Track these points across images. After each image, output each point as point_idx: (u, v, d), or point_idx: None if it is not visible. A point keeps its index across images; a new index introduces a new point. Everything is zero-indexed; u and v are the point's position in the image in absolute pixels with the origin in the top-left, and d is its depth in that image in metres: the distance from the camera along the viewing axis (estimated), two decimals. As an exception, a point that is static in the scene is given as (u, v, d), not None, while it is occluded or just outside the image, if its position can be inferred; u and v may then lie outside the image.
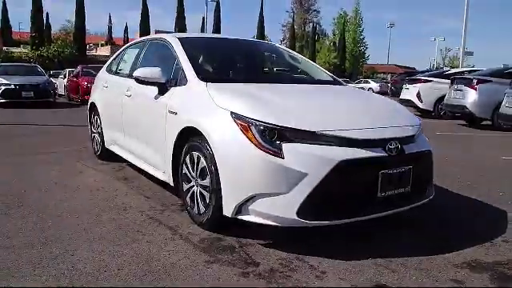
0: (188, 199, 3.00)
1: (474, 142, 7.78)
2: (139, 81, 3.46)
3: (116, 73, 4.83)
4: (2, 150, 5.56)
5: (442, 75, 12.97)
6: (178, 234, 2.76)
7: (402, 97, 12.80)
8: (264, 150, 2.43)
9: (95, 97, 5.10)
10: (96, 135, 5.06)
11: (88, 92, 12.63)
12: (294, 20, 57.51)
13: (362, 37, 53.88)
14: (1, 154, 5.26)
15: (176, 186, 3.23)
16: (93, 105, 5.13)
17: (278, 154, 2.41)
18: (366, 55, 55.74)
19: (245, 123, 2.53)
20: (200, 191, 2.85)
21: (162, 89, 3.35)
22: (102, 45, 52.80)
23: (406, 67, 52.15)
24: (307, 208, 2.39)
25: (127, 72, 4.36)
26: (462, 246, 2.65)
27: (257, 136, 2.47)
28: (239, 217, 2.57)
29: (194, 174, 2.92)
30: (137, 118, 3.93)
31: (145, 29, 40.73)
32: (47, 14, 39.34)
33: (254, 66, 4.29)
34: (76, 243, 2.58)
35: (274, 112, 2.59)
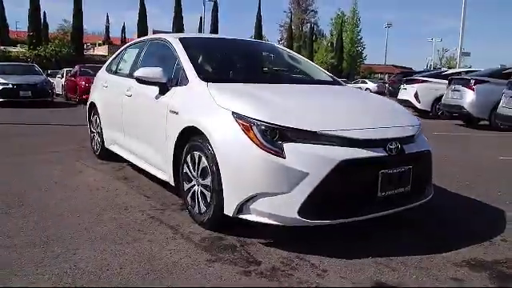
0: (189, 199, 3.01)
1: (471, 142, 7.82)
2: (140, 81, 3.47)
3: (116, 72, 4.84)
4: (1, 150, 5.56)
5: (439, 75, 13.03)
6: (179, 234, 2.77)
7: (399, 97, 12.84)
8: (265, 150, 2.44)
9: (95, 96, 5.10)
10: (95, 135, 5.06)
11: (86, 91, 12.63)
12: (291, 20, 57.51)
13: (359, 37, 54.07)
14: (0, 154, 5.26)
15: (177, 186, 3.24)
16: (92, 104, 5.13)
17: (280, 153, 2.43)
18: (364, 55, 55.93)
19: (246, 123, 2.55)
20: (201, 191, 2.87)
21: (163, 89, 3.36)
22: (100, 44, 52.73)
23: (403, 67, 52.22)
24: (308, 207, 2.41)
25: (127, 72, 4.36)
26: (462, 245, 2.68)
27: (258, 136, 2.49)
28: (240, 216, 2.59)
29: (194, 174, 2.93)
30: (137, 117, 3.94)
31: (142, 29, 40.66)
32: (44, 13, 39.24)
33: (255, 66, 4.31)
34: (77, 242, 2.59)
35: (276, 112, 2.61)
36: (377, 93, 14.18)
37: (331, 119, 2.68)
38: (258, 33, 48.85)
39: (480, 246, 2.70)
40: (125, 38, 56.13)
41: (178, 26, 42.08)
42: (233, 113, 2.64)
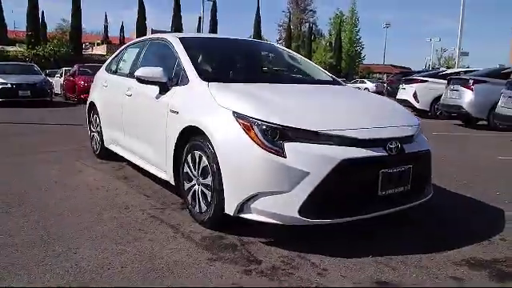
0: (189, 198, 3.02)
1: (470, 142, 7.85)
2: (140, 80, 3.47)
3: (115, 72, 4.84)
4: (0, 150, 5.55)
5: (438, 75, 13.07)
6: (179, 233, 2.78)
7: (398, 97, 12.85)
8: (266, 150, 2.46)
9: (94, 96, 5.11)
10: (95, 134, 5.06)
11: (85, 91, 12.63)
12: (290, 20, 57.48)
13: (358, 37, 54.03)
14: (0, 154, 5.27)
15: (177, 185, 3.25)
16: (92, 104, 5.13)
17: (280, 153, 2.44)
18: (362, 55, 55.91)
19: (247, 123, 2.56)
20: (202, 190, 2.87)
21: (164, 88, 3.37)
22: (98, 44, 52.60)
23: (401, 67, 52.31)
24: (309, 206, 2.42)
25: (127, 71, 4.37)
26: (461, 244, 2.69)
27: (259, 135, 2.50)
28: (241, 215, 2.60)
29: (195, 173, 2.94)
30: (137, 117, 3.94)
31: (141, 28, 40.60)
32: (43, 12, 39.17)
33: (255, 65, 4.32)
34: (78, 241, 2.59)
35: (276, 112, 2.62)
36: (375, 93, 14.20)
37: (332, 119, 2.69)
38: (257, 32, 48.82)
39: (479, 245, 2.71)
40: (123, 37, 56.01)
41: (176, 26, 42.03)
42: (233, 112, 2.65)
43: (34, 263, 2.28)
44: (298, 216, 2.42)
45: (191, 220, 2.98)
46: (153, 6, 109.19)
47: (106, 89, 4.80)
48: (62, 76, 17.97)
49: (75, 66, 16.26)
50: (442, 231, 2.98)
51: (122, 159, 4.48)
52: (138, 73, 3.47)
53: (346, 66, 52.51)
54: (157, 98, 3.42)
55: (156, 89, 3.42)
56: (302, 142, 2.48)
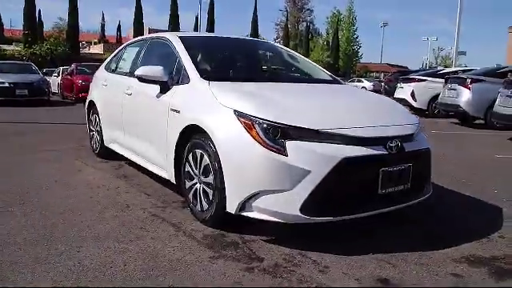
0: (191, 196, 3.03)
1: (467, 141, 7.89)
2: (141, 79, 3.48)
3: (115, 71, 4.84)
4: (0, 149, 5.56)
5: (435, 74, 13.12)
6: (181, 231, 2.80)
7: (396, 96, 12.88)
8: (268, 148, 2.47)
9: (94, 95, 5.11)
10: (95, 133, 5.06)
11: (83, 90, 12.62)
12: (287, 19, 57.49)
13: (355, 36, 54.03)
14: (-1, 152, 5.26)
15: (178, 184, 3.26)
16: (91, 103, 5.14)
17: (282, 151, 2.46)
18: (360, 54, 55.94)
19: (249, 121, 2.57)
20: (203, 188, 2.89)
21: (164, 87, 3.38)
22: (95, 43, 52.44)
23: (398, 66, 52.41)
24: (310, 205, 2.44)
25: (127, 70, 4.38)
26: (460, 242, 2.72)
27: (260, 134, 2.51)
28: (243, 213, 2.61)
29: (196, 172, 2.95)
30: (138, 116, 3.95)
31: (138, 27, 40.50)
32: (39, 11, 38.99)
33: (255, 64, 4.34)
34: (81, 240, 2.61)
35: (278, 110, 2.64)
36: (373, 92, 14.24)
37: (332, 118, 2.71)
38: (255, 31, 48.72)
39: (478, 243, 2.74)
40: (120, 36, 55.89)
41: (173, 25, 41.93)
42: (235, 111, 2.67)
43: (37, 262, 2.29)
44: (300, 214, 2.44)
45: (192, 218, 2.99)
46: (150, 4, 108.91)
47: (105, 88, 4.80)
48: (59, 75, 17.90)
49: (73, 65, 16.20)
50: (441, 229, 3.01)
51: (121, 158, 4.49)
52: (139, 72, 3.48)
53: (343, 64, 52.50)
54: (157, 96, 3.43)
55: (156, 88, 3.43)
56: (303, 141, 2.50)
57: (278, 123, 2.52)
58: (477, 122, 10.28)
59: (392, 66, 56.45)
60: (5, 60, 21.37)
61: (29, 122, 8.67)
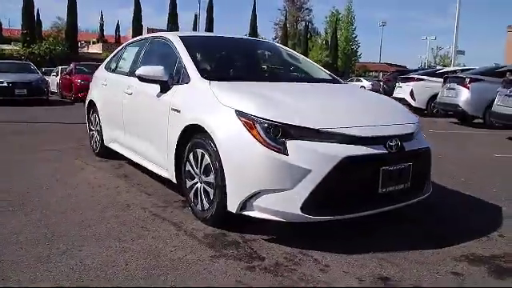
0: (191, 196, 3.04)
1: (466, 140, 7.91)
2: (141, 79, 3.48)
3: (115, 71, 4.84)
4: (0, 148, 5.56)
5: (434, 74, 13.15)
6: (182, 230, 2.80)
7: (395, 95, 12.90)
8: (268, 147, 2.48)
9: (94, 94, 5.11)
10: (95, 133, 5.07)
11: (82, 89, 12.61)
12: (286, 18, 57.45)
13: (354, 35, 54.04)
14: (-2, 152, 5.26)
15: (179, 184, 3.27)
16: (91, 102, 5.14)
17: (282, 150, 2.47)
18: (358, 54, 55.95)
19: (249, 121, 2.58)
20: (204, 188, 2.90)
21: (165, 87, 3.38)
22: (94, 42, 52.36)
23: (397, 65, 52.44)
24: (311, 204, 2.45)
25: (127, 70, 4.38)
26: (460, 241, 2.73)
27: (261, 133, 2.52)
28: (243, 212, 2.62)
29: (197, 171, 2.96)
30: (138, 115, 3.96)
31: (137, 27, 40.44)
32: (38, 10, 38.90)
33: (255, 64, 4.34)
34: (82, 239, 2.61)
35: (278, 110, 2.65)
36: (371, 91, 14.26)
37: (332, 117, 2.72)
38: (253, 31, 48.69)
39: (478, 242, 2.76)
40: (119, 36, 55.73)
41: (172, 25, 41.88)
42: (236, 111, 2.67)
43: (38, 261, 2.29)
44: (300, 213, 2.45)
45: (193, 218, 3.00)
46: (148, 4, 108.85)
47: (105, 87, 4.80)
48: (58, 74, 17.88)
49: (72, 65, 16.18)
50: (441, 228, 3.02)
51: (121, 157, 4.49)
52: (139, 71, 3.49)
53: (342, 64, 52.50)
54: (158, 96, 3.43)
55: (157, 87, 3.43)
56: (303, 140, 2.51)
57: (279, 122, 2.53)
58: (475, 121, 10.31)
59: (391, 65, 56.51)
60: (3, 59, 21.34)
61: (28, 121, 8.66)
